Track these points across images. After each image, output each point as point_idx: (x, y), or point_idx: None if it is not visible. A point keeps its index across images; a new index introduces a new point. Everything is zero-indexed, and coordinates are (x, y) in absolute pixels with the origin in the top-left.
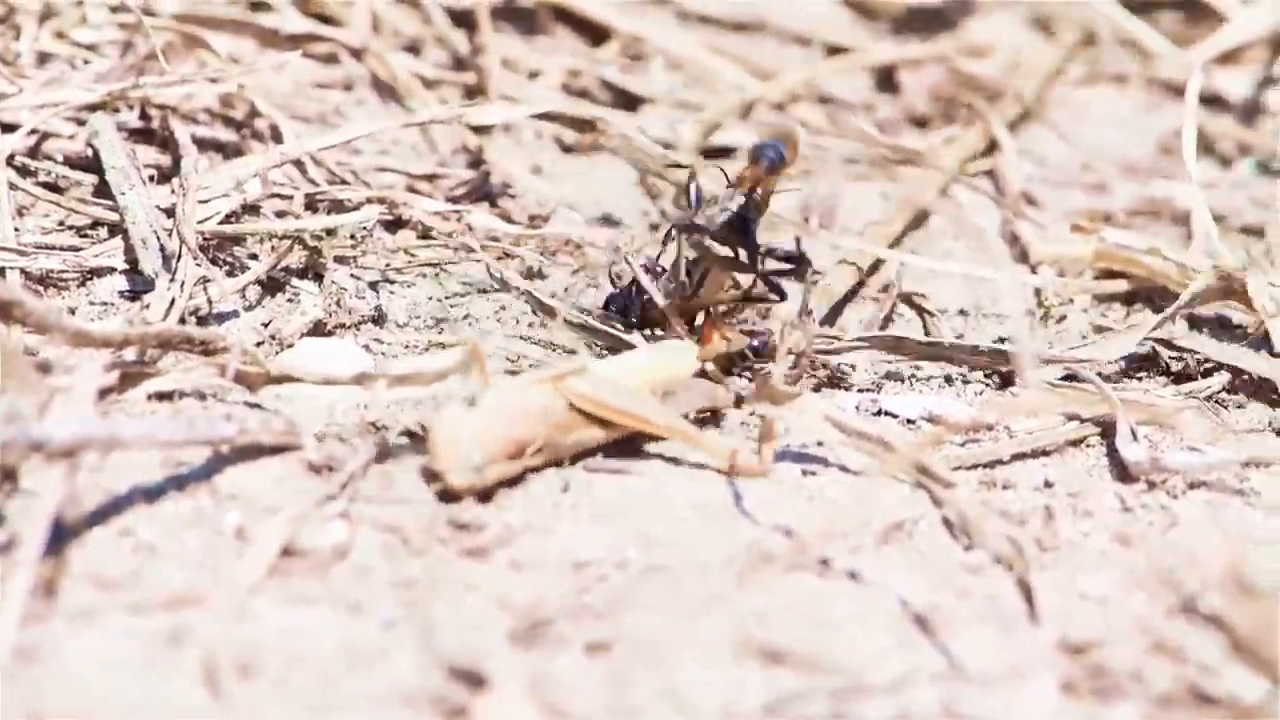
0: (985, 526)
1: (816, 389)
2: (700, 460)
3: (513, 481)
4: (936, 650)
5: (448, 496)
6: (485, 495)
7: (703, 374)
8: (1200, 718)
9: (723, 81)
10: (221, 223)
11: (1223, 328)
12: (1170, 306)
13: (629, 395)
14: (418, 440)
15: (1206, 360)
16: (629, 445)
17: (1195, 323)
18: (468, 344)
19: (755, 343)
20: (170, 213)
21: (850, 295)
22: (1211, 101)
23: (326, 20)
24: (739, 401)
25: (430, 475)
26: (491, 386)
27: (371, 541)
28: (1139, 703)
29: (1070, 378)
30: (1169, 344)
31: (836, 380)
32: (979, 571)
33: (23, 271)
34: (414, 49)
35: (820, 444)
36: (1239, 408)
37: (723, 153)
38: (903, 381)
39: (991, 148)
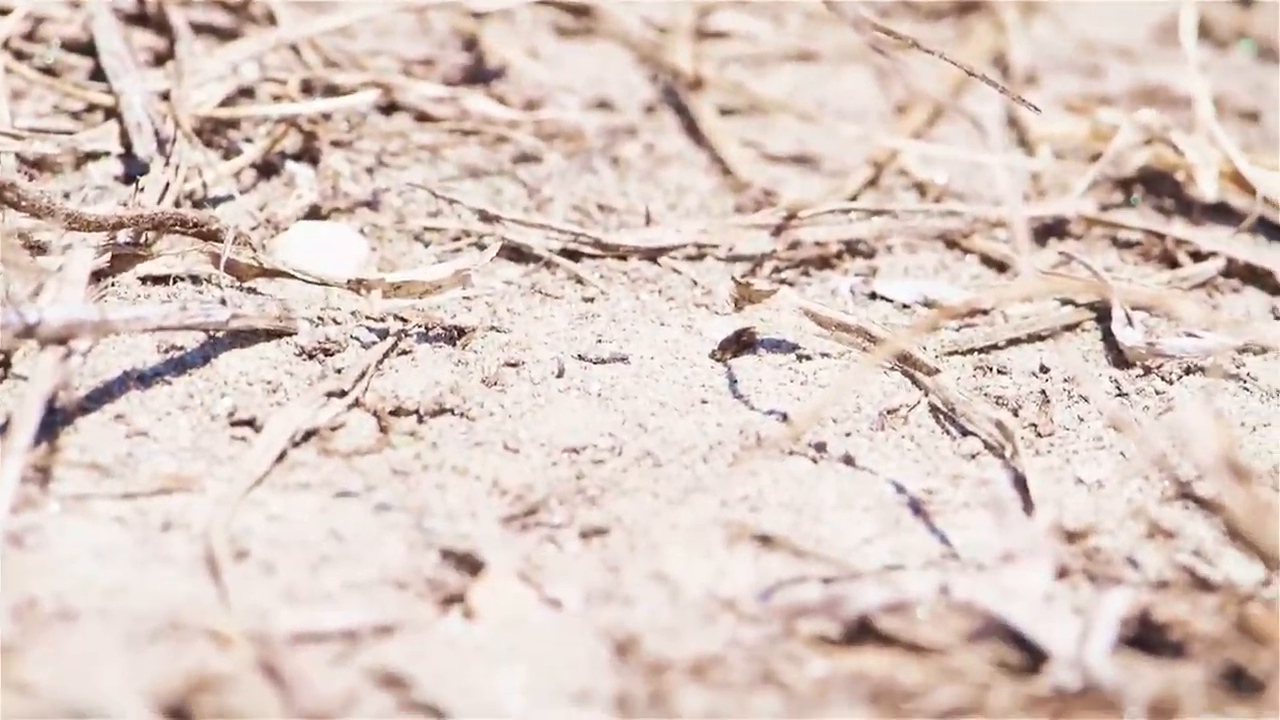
0: (975, 412)
1: (808, 272)
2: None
3: (507, 365)
4: (930, 535)
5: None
6: (481, 380)
7: None
8: (1195, 602)
9: None
10: (216, 107)
11: (1219, 213)
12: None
13: None
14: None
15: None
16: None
17: (1189, 209)
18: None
19: None
20: (165, 97)
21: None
22: None
23: None
24: None
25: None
26: None
27: (364, 426)
28: (1134, 587)
29: (1065, 263)
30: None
31: (830, 263)
32: (973, 457)
33: (17, 155)
34: None
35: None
36: (1234, 292)
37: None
38: (897, 266)
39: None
